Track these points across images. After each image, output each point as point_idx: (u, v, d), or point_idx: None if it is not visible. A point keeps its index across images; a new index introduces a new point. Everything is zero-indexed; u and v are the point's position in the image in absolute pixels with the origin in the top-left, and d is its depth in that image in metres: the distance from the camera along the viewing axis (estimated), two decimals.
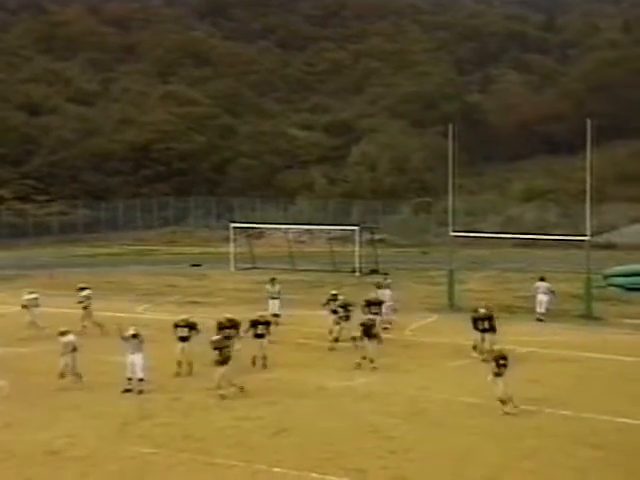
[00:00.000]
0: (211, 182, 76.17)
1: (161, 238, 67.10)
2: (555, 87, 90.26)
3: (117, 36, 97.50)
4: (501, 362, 19.31)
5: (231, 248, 49.57)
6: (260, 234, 58.01)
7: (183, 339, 23.10)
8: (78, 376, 21.99)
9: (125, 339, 21.79)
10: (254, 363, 23.86)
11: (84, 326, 28.96)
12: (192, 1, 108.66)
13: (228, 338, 23.13)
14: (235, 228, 51.51)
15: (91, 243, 63.67)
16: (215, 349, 21.25)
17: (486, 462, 16.49)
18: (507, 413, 19.09)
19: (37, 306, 30.28)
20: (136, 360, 21.53)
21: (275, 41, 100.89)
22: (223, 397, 20.78)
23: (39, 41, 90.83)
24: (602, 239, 52.72)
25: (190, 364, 23.09)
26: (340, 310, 26.87)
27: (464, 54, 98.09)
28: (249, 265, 48.36)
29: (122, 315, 31.16)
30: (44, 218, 67.20)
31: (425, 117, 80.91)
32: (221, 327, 23.64)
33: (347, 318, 26.77)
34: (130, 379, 21.54)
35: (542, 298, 31.76)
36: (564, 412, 19.61)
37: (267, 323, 24.19)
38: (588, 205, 32.33)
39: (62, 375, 21.81)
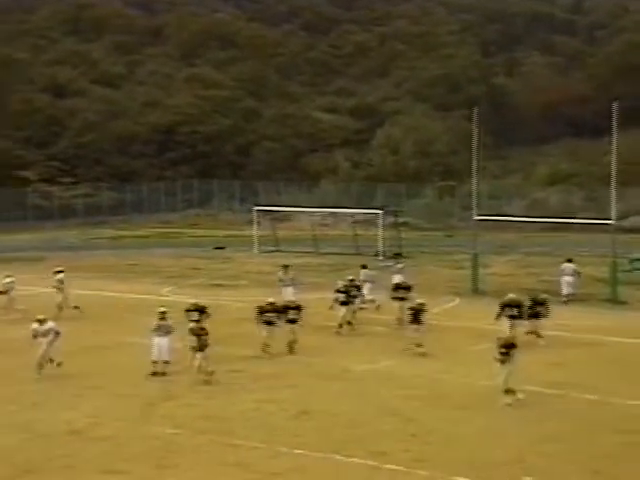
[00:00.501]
0: (235, 165, 76.25)
1: (185, 221, 67.31)
2: (581, 69, 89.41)
3: (143, 19, 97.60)
4: (505, 350, 18.80)
5: (255, 231, 49.68)
6: (284, 217, 58.01)
7: (195, 323, 22.90)
8: (51, 361, 21.48)
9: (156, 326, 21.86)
10: (291, 349, 23.75)
11: (60, 308, 28.80)
12: None
13: (269, 323, 23.23)
14: (259, 211, 51.58)
15: (116, 225, 63.97)
16: (193, 335, 21.20)
17: (507, 445, 16.42)
18: (508, 404, 18.59)
19: (12, 289, 30.23)
20: (163, 342, 21.60)
21: (300, 24, 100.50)
22: (208, 383, 20.71)
23: (65, 23, 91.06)
24: (628, 223, 52.32)
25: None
26: (341, 295, 26.67)
27: (489, 36, 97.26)
28: (272, 248, 48.41)
29: (147, 297, 31.32)
30: (69, 200, 67.57)
31: (450, 100, 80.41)
32: (262, 311, 23.59)
33: (349, 303, 26.69)
34: (155, 362, 21.59)
35: (568, 280, 31.65)
36: (589, 396, 19.49)
37: (298, 308, 24.04)
38: (613, 188, 32.07)
39: (40, 365, 21.42)
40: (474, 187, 35.28)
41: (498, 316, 24.20)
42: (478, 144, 34.76)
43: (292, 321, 23.76)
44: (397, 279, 30.89)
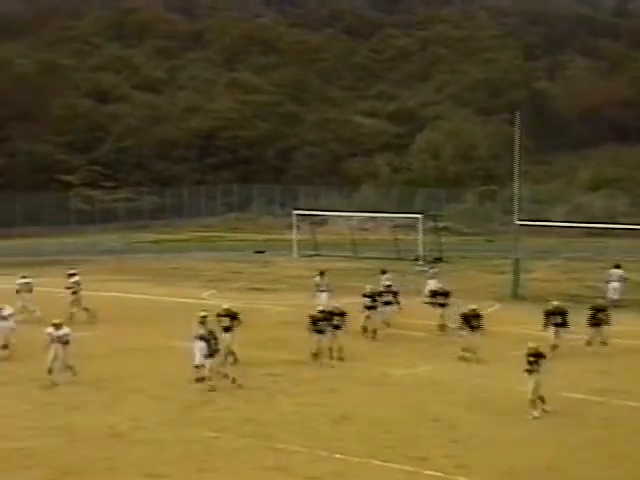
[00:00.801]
0: (275, 170, 76.39)
1: (225, 225, 67.52)
2: (625, 73, 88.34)
3: (184, 23, 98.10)
4: (533, 359, 18.44)
5: (294, 235, 49.76)
6: (323, 221, 58.01)
7: (226, 329, 22.79)
8: (71, 369, 21.43)
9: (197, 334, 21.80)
10: (331, 356, 23.53)
11: (72, 313, 28.92)
12: None
13: (321, 332, 23.05)
14: (298, 215, 51.65)
15: (156, 229, 64.36)
16: (201, 341, 21.05)
17: (547, 452, 16.33)
18: (535, 418, 18.19)
19: (30, 291, 30.44)
20: (200, 347, 21.37)
21: (341, 28, 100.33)
22: (213, 389, 20.61)
23: (108, 28, 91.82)
24: None
25: (233, 353, 22.64)
26: (367, 300, 26.48)
27: (532, 40, 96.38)
28: (312, 252, 48.44)
29: (188, 301, 31.50)
30: (111, 204, 68.07)
31: (491, 104, 79.88)
32: (315, 320, 23.23)
33: (374, 308, 26.45)
34: (197, 367, 21.44)
35: (615, 286, 31.33)
36: (633, 404, 19.29)
37: (343, 314, 23.81)
38: None
39: (50, 370, 21.30)
40: (516, 191, 35.07)
41: (545, 325, 23.87)
42: (520, 148, 34.55)
43: (336, 327, 23.52)
44: (432, 284, 31.00)
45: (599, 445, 16.55)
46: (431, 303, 27.48)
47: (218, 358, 21.08)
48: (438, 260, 44.40)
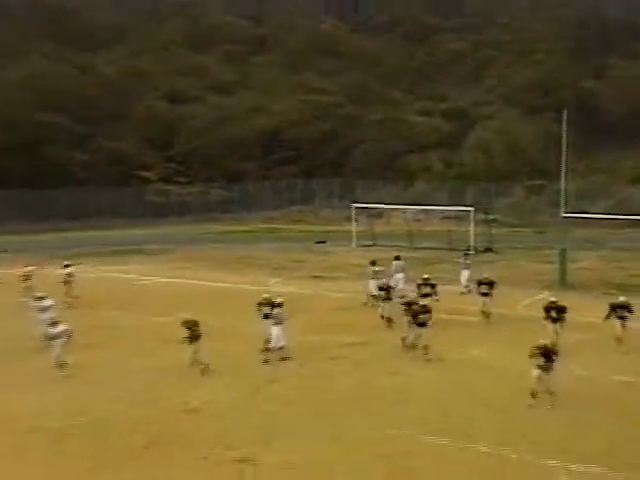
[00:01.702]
0: (335, 165, 76.29)
1: (288, 217, 67.69)
2: None
3: (251, 29, 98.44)
4: (546, 357, 17.82)
5: (353, 227, 49.73)
6: (380, 214, 57.86)
7: (266, 316, 22.60)
8: (62, 364, 20.93)
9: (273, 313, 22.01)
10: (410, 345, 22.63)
11: (67, 302, 29.03)
12: None
13: (422, 325, 22.16)
14: (357, 208, 51.62)
15: (225, 221, 64.76)
16: (186, 328, 20.95)
17: (599, 436, 16.11)
18: (530, 406, 17.72)
19: (72, 276, 30.90)
20: (276, 330, 21.70)
21: (400, 33, 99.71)
22: (204, 372, 20.63)
23: (184, 36, 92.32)
24: None
25: (267, 341, 22.20)
26: (382, 293, 25.97)
27: (580, 43, 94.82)
28: (369, 242, 48.36)
29: (254, 288, 31.66)
30: (184, 198, 68.85)
31: (539, 104, 78.79)
32: (415, 314, 22.41)
33: (388, 299, 25.82)
34: (268, 349, 21.62)
35: None
36: None
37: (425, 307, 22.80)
38: None
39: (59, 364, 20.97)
40: (562, 186, 34.60)
41: (607, 317, 23.08)
42: (566, 145, 34.09)
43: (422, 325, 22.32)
44: (466, 275, 31.08)
45: None
46: (478, 292, 27.10)
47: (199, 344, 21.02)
48: (488, 250, 44.14)
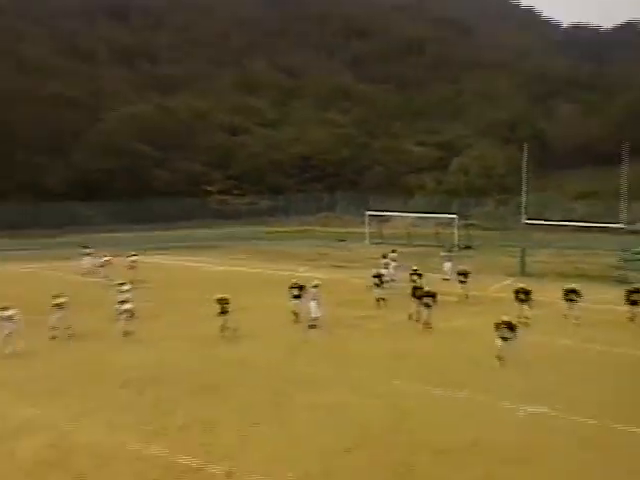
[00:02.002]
0: (352, 182, 76.22)
1: (317, 221, 67.76)
2: (599, 116, 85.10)
3: (289, 80, 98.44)
4: (505, 327, 17.28)
5: (366, 229, 49.84)
6: (387, 219, 57.84)
7: (296, 297, 22.55)
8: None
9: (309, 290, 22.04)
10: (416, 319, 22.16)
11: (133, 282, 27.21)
12: (341, 55, 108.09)
13: (428, 305, 21.27)
14: (369, 215, 51.67)
15: (270, 224, 64.85)
16: (218, 303, 20.56)
17: (546, 384, 16.01)
18: (499, 365, 17.15)
19: (135, 262, 31.26)
20: (314, 304, 21.72)
21: (396, 83, 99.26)
22: (224, 337, 20.25)
23: (237, 84, 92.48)
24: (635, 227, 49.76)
25: (297, 314, 22.37)
26: (375, 279, 25.33)
27: (535, 91, 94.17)
28: (379, 241, 48.38)
29: (288, 274, 31.82)
30: (239, 207, 69.20)
31: (507, 137, 78.21)
32: (419, 296, 21.79)
33: (380, 284, 25.22)
34: (314, 319, 21.62)
35: None
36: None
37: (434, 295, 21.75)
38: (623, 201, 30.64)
39: (54, 336, 20.28)
40: (523, 199, 34.63)
41: (626, 301, 22.14)
42: (527, 169, 34.17)
43: (428, 305, 21.71)
44: (447, 265, 30.95)
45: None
46: (457, 280, 26.96)
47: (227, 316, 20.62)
48: (468, 247, 44.07)
